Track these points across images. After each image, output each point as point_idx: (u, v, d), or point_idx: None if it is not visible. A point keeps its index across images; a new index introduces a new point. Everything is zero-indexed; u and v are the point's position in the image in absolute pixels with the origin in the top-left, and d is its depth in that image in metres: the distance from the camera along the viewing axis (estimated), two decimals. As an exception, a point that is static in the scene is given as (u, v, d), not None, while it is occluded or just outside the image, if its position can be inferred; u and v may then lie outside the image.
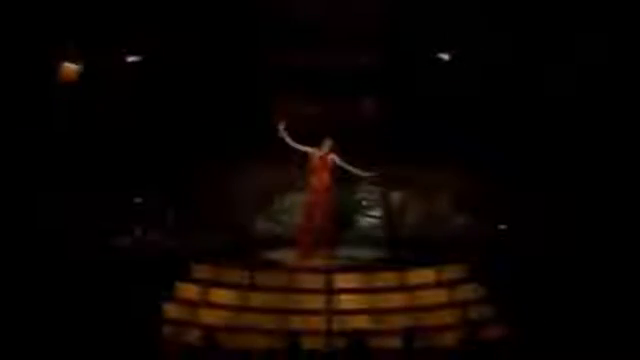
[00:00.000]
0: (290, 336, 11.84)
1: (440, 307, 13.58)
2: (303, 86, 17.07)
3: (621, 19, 16.41)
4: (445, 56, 17.17)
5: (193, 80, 17.21)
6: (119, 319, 13.37)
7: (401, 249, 15.79)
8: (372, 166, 15.73)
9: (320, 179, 15.00)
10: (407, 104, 17.11)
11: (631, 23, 16.37)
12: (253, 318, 13.24)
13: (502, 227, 16.75)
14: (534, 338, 13.11)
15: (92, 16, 16.56)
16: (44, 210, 16.25)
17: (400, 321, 13.05)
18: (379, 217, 17.41)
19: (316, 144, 14.98)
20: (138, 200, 17.21)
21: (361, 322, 12.94)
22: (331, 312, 12.54)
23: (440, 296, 13.78)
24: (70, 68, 16.56)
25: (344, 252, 15.14)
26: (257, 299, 13.53)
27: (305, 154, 15.05)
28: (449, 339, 12.73)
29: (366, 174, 15.54)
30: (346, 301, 13.28)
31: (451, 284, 14.02)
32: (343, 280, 13.50)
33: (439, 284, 13.99)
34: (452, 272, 14.27)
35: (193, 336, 12.78)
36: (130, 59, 17.02)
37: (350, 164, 15.11)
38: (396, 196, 17.53)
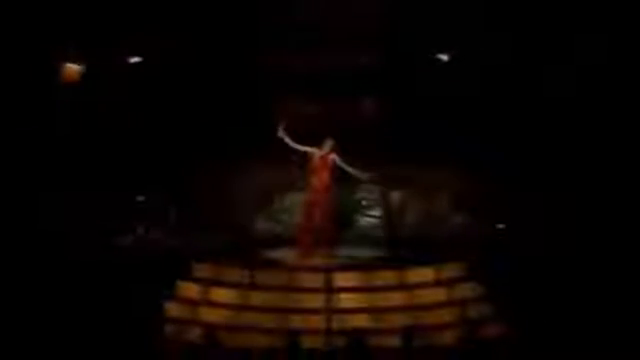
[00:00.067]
0: (290, 335, 11.90)
1: (439, 306, 13.62)
2: (303, 86, 17.09)
3: (621, 19, 16.43)
4: (445, 56, 17.20)
5: (194, 80, 17.26)
6: (121, 317, 13.43)
7: (400, 248, 15.82)
8: (371, 166, 15.81)
9: (320, 179, 15.06)
10: (407, 104, 17.13)
11: (631, 23, 16.39)
12: (253, 317, 13.30)
13: (500, 226, 16.78)
14: (532, 336, 13.15)
15: (94, 17, 16.61)
16: (47, 210, 16.31)
17: (399, 320, 13.10)
18: (379, 217, 17.44)
19: (316, 144, 15.02)
20: (140, 199, 17.26)
21: (361, 321, 13.00)
22: (331, 311, 12.53)
23: (439, 295, 13.82)
24: (72, 69, 16.62)
25: (344, 251, 15.19)
26: (257, 298, 13.59)
27: (305, 154, 15.11)
28: (448, 337, 12.78)
29: (365, 176, 15.62)
30: (346, 300, 13.33)
31: (450, 283, 14.06)
32: (343, 279, 13.54)
33: (438, 283, 14.03)
34: (451, 271, 14.32)
35: (194, 334, 12.83)
36: (132, 60, 17.08)
37: (350, 164, 15.15)
38: (396, 196, 17.55)
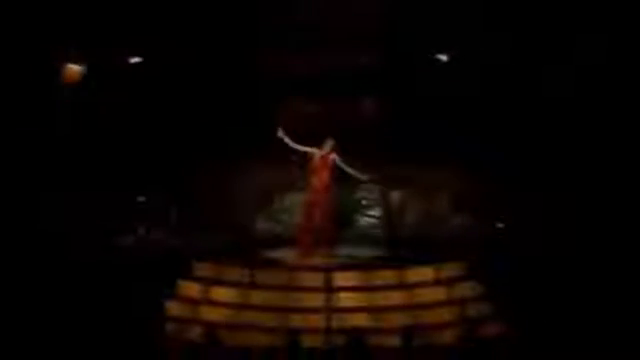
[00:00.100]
0: (290, 334, 11.94)
1: (439, 305, 13.65)
2: (303, 86, 17.12)
3: (620, 19, 16.45)
4: (444, 56, 17.22)
5: (194, 81, 17.30)
6: (122, 317, 13.46)
7: (400, 248, 15.85)
8: (371, 166, 15.84)
9: (320, 179, 15.09)
10: (407, 104, 17.15)
11: (630, 23, 16.40)
12: (253, 316, 13.34)
13: (500, 226, 16.80)
14: (532, 335, 13.16)
15: (95, 18, 16.65)
16: (48, 210, 16.35)
17: (399, 319, 13.14)
18: (378, 217, 17.45)
19: (316, 144, 15.06)
20: (141, 199, 17.30)
21: (360, 320, 13.03)
22: (331, 310, 12.57)
23: (439, 294, 13.85)
24: (73, 69, 16.67)
25: (343, 251, 15.24)
26: (257, 297, 13.63)
27: (305, 154, 15.15)
28: (448, 336, 12.81)
29: (364, 176, 15.66)
30: (345, 299, 13.36)
31: (449, 282, 14.09)
32: (342, 278, 13.58)
33: (437, 282, 14.06)
34: (450, 270, 14.34)
35: (194, 333, 12.86)
36: (132, 60, 17.12)
37: (350, 164, 15.19)
38: (396, 195, 17.58)
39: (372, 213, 17.47)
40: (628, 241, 15.78)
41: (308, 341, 12.11)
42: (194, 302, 13.89)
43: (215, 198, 17.19)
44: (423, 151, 16.65)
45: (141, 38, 16.95)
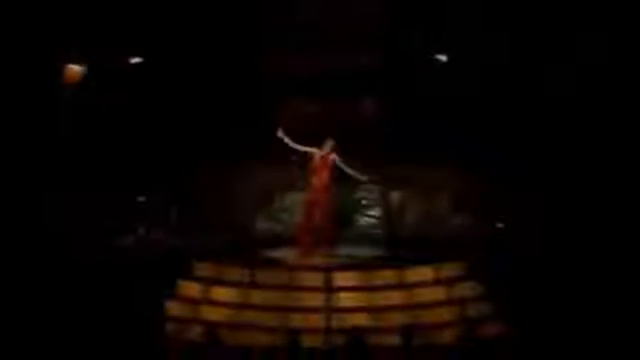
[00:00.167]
0: (290, 333, 11.96)
1: (438, 304, 13.67)
2: (303, 86, 17.15)
3: (621, 19, 16.46)
4: (444, 56, 17.24)
5: (195, 81, 17.33)
6: (122, 316, 13.49)
7: (400, 248, 15.86)
8: (371, 167, 15.85)
9: (320, 179, 15.11)
10: (407, 104, 17.18)
11: (631, 23, 16.41)
12: (254, 315, 13.37)
13: (499, 225, 16.81)
14: (532, 335, 13.16)
15: (96, 18, 16.68)
16: (49, 210, 16.38)
17: (399, 318, 13.15)
18: (378, 216, 17.46)
19: (316, 144, 15.08)
20: (141, 199, 17.32)
21: (360, 320, 13.03)
22: (331, 310, 12.61)
23: (438, 294, 13.87)
24: (74, 70, 16.70)
25: (343, 250, 15.26)
26: (258, 297, 13.66)
27: (305, 154, 15.17)
28: (447, 336, 12.82)
29: (364, 177, 15.68)
30: (345, 299, 13.39)
31: (449, 282, 14.10)
32: (342, 278, 13.61)
33: (437, 282, 14.07)
34: (450, 270, 14.36)
35: (195, 333, 12.89)
36: (133, 60, 17.15)
37: (350, 164, 15.21)
38: (395, 195, 17.59)
39: (372, 213, 17.48)
40: (628, 241, 15.77)
41: (308, 341, 12.13)
42: (194, 302, 13.91)
43: (215, 198, 17.21)
44: (423, 151, 16.66)
45: (142, 38, 16.99)
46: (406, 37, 17.21)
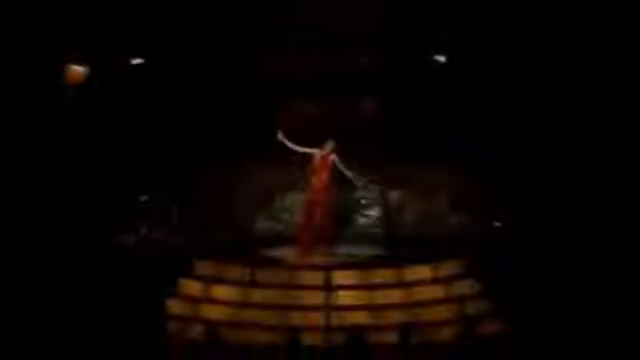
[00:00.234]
0: (290, 332, 12.06)
1: (437, 303, 13.71)
2: (304, 87, 17.20)
3: (621, 19, 16.49)
4: (444, 57, 17.29)
5: (196, 81, 17.39)
6: (123, 315, 13.54)
7: (399, 247, 15.90)
8: (371, 167, 15.90)
9: (320, 179, 15.17)
10: (407, 104, 17.21)
11: (631, 23, 16.45)
12: (254, 314, 13.43)
13: (497, 224, 16.85)
14: (530, 334, 13.20)
15: (97, 19, 16.75)
16: (51, 209, 16.42)
17: (398, 317, 13.22)
18: (377, 216, 17.49)
19: (316, 144, 15.15)
20: (143, 199, 17.38)
21: (359, 318, 13.10)
22: (330, 308, 12.61)
23: (437, 292, 13.92)
24: (76, 70, 16.77)
25: (343, 250, 15.31)
26: (258, 295, 13.72)
27: (305, 154, 15.24)
28: (446, 334, 12.89)
29: (362, 182, 15.75)
30: (345, 297, 13.44)
31: (448, 280, 14.15)
32: (342, 277, 13.66)
33: (436, 280, 14.12)
34: (448, 268, 14.41)
35: (195, 331, 12.96)
36: (134, 61, 17.22)
37: (350, 165, 15.27)
38: (395, 195, 17.63)
39: (371, 212, 17.53)
40: (627, 241, 15.80)
41: (308, 339, 12.21)
42: (195, 300, 13.96)
43: (216, 198, 17.25)
44: (422, 151, 16.68)
45: (143, 39, 17.05)
46: (406, 38, 17.25)
